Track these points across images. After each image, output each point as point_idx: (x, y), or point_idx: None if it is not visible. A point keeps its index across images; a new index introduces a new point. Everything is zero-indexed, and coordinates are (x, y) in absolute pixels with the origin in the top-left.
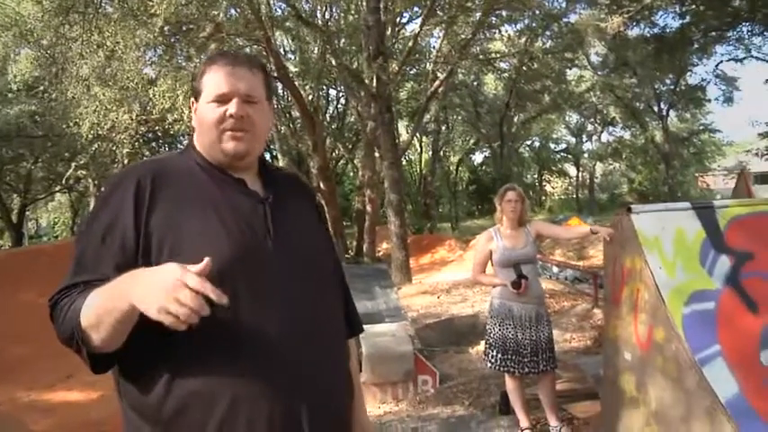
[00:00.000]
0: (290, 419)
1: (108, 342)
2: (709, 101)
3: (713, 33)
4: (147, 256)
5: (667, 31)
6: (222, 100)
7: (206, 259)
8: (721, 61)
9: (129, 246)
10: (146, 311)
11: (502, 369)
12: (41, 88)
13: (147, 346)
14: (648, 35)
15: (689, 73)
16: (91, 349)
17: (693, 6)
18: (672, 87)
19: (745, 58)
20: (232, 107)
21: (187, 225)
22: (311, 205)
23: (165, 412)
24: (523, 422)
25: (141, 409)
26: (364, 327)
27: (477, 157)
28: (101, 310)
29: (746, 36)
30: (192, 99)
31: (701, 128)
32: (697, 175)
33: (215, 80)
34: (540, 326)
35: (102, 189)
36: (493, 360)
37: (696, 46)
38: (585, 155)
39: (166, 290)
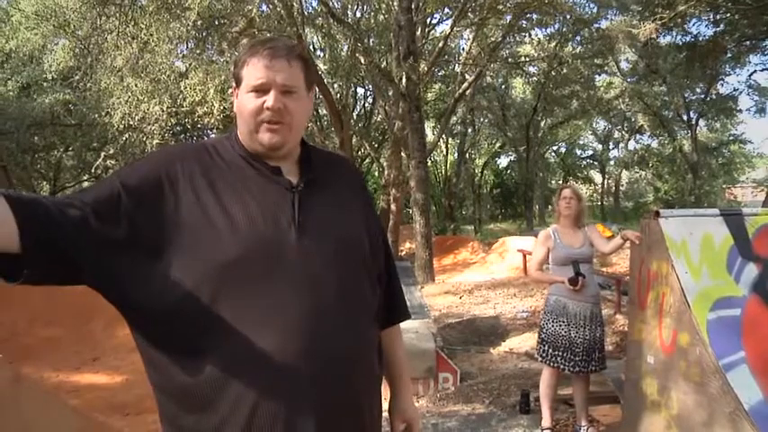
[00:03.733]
0: (303, 408)
1: None
2: (741, 111)
3: (747, 42)
4: (166, 233)
5: (700, 39)
6: (261, 90)
7: None
8: (755, 71)
9: (142, 209)
10: None
11: (552, 364)
12: (76, 78)
13: (169, 336)
14: (680, 43)
15: (720, 82)
16: None
17: (728, 15)
18: (702, 96)
19: None
20: (270, 100)
21: (213, 211)
22: (355, 189)
23: (184, 395)
24: (546, 421)
25: (166, 390)
26: None
27: (503, 161)
28: None
29: None
30: (234, 85)
31: (731, 138)
32: (725, 186)
33: (254, 72)
34: (594, 325)
35: (146, 156)
36: (544, 354)
37: (729, 55)
38: (612, 162)
39: None
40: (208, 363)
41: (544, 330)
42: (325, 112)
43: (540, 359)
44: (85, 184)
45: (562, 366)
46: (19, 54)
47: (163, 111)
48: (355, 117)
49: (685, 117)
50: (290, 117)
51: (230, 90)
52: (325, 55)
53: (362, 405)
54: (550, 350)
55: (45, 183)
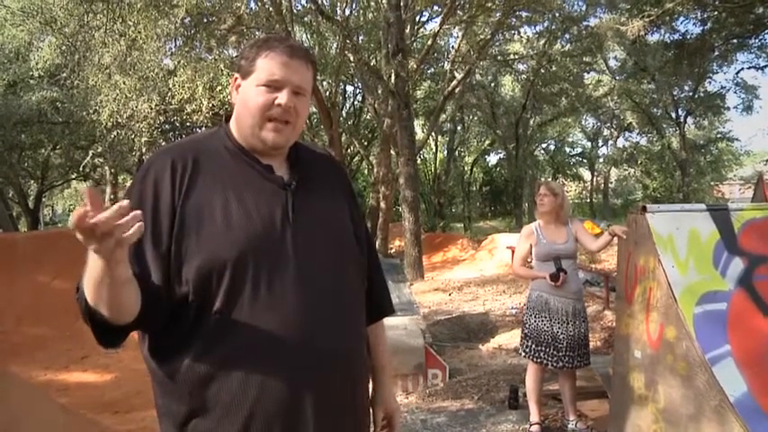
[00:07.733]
0: (297, 400)
1: (115, 311)
2: (728, 109)
3: (734, 40)
4: (174, 236)
5: (688, 37)
6: (274, 86)
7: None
8: (742, 69)
9: (164, 226)
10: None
11: (535, 360)
12: (63, 75)
13: (172, 328)
14: (668, 41)
15: (708, 80)
16: (106, 323)
17: (715, 13)
18: (690, 94)
19: (766, 66)
20: (282, 97)
21: (210, 210)
22: (341, 185)
23: (187, 386)
24: (534, 416)
25: (165, 382)
26: None
27: (492, 159)
28: (93, 279)
29: None
30: (237, 75)
31: (719, 136)
32: (713, 183)
33: (271, 66)
34: (577, 321)
35: (140, 169)
36: (527, 350)
37: (716, 53)
38: (601, 159)
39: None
40: (208, 354)
41: (527, 326)
42: (314, 109)
43: (523, 354)
44: (74, 182)
45: (545, 362)
46: (5, 51)
47: (151, 108)
48: (344, 115)
49: (674, 115)
50: (296, 118)
51: (232, 79)
52: (313, 52)
53: (356, 392)
54: (533, 345)
55: (32, 181)
